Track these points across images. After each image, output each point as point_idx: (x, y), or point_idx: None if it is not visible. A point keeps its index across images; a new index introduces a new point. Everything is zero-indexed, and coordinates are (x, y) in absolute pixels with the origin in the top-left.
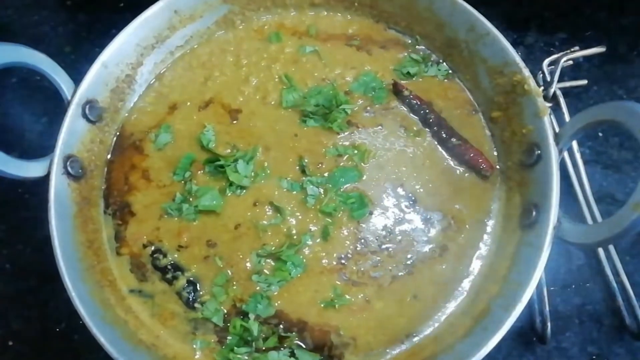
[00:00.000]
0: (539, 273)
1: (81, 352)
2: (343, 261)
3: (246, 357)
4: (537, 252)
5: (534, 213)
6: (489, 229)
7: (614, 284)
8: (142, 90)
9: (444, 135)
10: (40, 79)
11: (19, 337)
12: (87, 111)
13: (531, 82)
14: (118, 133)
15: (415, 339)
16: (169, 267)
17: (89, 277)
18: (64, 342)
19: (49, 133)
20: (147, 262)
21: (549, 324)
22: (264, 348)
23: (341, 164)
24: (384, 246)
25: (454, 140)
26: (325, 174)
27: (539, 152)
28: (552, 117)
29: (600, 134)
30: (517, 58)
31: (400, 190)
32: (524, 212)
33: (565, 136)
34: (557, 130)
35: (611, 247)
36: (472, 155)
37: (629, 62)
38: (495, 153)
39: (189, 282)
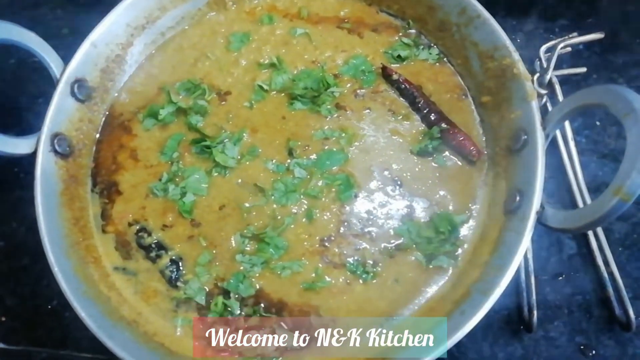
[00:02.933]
0: (519, 258)
1: (71, 329)
2: (326, 243)
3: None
4: (518, 237)
5: (517, 198)
6: (474, 215)
7: (605, 275)
8: (132, 71)
9: (432, 119)
10: (37, 60)
11: (12, 314)
12: (76, 90)
13: (520, 65)
14: (107, 113)
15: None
16: (153, 245)
17: (74, 253)
18: (55, 320)
19: (45, 113)
20: (132, 240)
21: (535, 312)
22: (246, 327)
23: (327, 147)
24: (366, 229)
25: (442, 124)
26: (312, 157)
27: (526, 137)
28: (548, 104)
29: (597, 123)
30: (508, 41)
31: (386, 174)
32: (508, 198)
33: (553, 121)
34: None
35: (603, 237)
36: (460, 139)
37: (630, 50)
38: (484, 138)
39: (172, 261)
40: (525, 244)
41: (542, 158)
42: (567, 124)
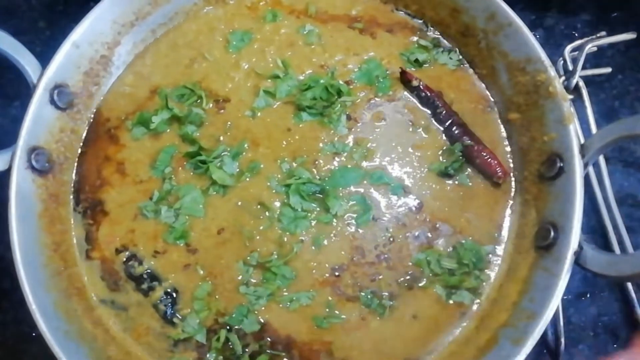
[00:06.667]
0: (555, 304)
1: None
2: (337, 273)
3: None
4: (553, 280)
5: (552, 234)
6: (499, 246)
7: (632, 294)
8: (119, 73)
9: (455, 132)
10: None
11: None
12: (55, 97)
13: (557, 83)
14: (92, 119)
15: None
16: (145, 275)
17: (54, 285)
18: (41, 347)
19: (23, 119)
20: (120, 269)
21: (562, 340)
22: None
23: (340, 163)
24: (383, 256)
25: (466, 139)
26: (322, 174)
27: (562, 164)
28: (572, 109)
29: None
30: (543, 55)
31: (404, 193)
32: (540, 230)
33: (593, 148)
34: (581, 135)
35: None
36: (485, 158)
37: None
38: (510, 158)
39: (167, 294)
40: (562, 288)
41: (580, 190)
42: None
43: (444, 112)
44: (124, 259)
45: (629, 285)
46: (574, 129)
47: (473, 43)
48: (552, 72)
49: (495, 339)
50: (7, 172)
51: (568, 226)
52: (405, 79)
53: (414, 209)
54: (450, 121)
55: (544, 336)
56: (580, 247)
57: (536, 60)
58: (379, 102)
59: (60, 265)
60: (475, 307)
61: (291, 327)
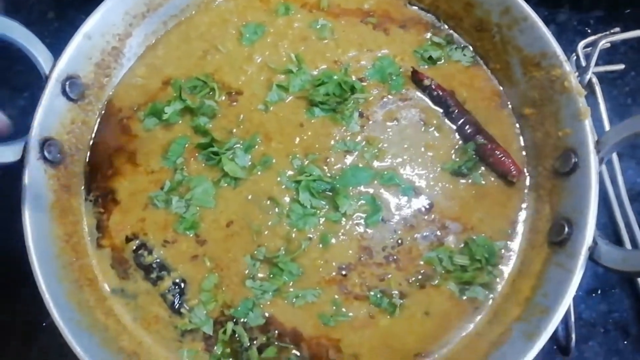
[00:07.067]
0: (568, 299)
1: (68, 348)
2: (344, 272)
3: None
4: (567, 275)
5: (566, 229)
6: (512, 242)
7: None
8: (130, 65)
9: (468, 131)
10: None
11: (5, 330)
12: (67, 88)
13: (572, 78)
14: (104, 110)
15: None
16: (154, 265)
17: (66, 276)
18: (51, 337)
19: (32, 109)
20: (130, 258)
21: (573, 336)
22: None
23: (351, 161)
24: (391, 258)
25: (479, 138)
26: (333, 172)
27: (576, 159)
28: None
29: None
30: (559, 50)
31: (415, 193)
32: (554, 226)
33: (608, 144)
34: (595, 132)
35: None
36: (499, 156)
37: None
38: (524, 154)
39: (175, 284)
40: (576, 283)
41: (595, 186)
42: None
43: (456, 110)
44: (134, 248)
45: (639, 281)
46: (589, 124)
47: (487, 38)
48: (567, 67)
49: (509, 334)
50: (20, 164)
51: (582, 222)
52: (416, 79)
53: (423, 209)
54: (462, 120)
55: (554, 332)
56: (594, 242)
57: (551, 55)
58: (392, 100)
59: (72, 256)
60: (488, 302)
61: (297, 321)
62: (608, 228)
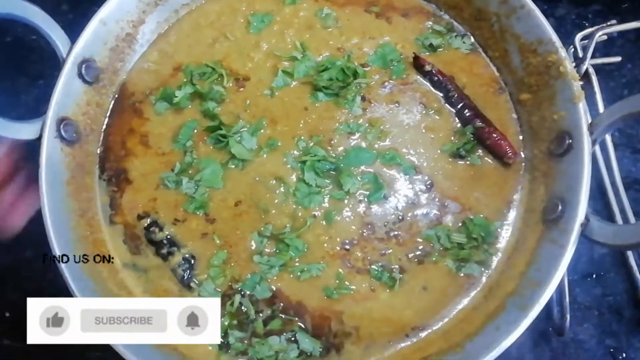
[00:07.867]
0: (561, 273)
1: None
2: (347, 247)
3: (239, 344)
4: (560, 251)
5: (559, 207)
6: (508, 221)
7: (637, 275)
8: (143, 50)
9: (466, 115)
10: (36, 38)
11: (16, 309)
12: (83, 71)
13: (567, 63)
14: (117, 94)
15: (422, 333)
16: (165, 241)
17: (81, 248)
18: None
19: (45, 96)
20: (142, 235)
21: (568, 316)
22: (264, 332)
23: (354, 143)
24: (392, 233)
25: (477, 122)
26: (337, 153)
27: (570, 141)
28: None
29: None
30: (554, 36)
31: (415, 173)
32: (548, 205)
33: (601, 126)
34: (589, 116)
35: None
36: (496, 139)
37: None
38: (521, 138)
39: (185, 260)
40: (568, 258)
41: (588, 165)
42: None
43: (455, 95)
44: (145, 225)
45: (634, 266)
46: (583, 106)
47: (486, 26)
48: (562, 52)
49: (503, 306)
50: (38, 141)
51: (575, 199)
52: (418, 64)
53: (424, 188)
54: (462, 104)
55: (550, 314)
56: (587, 219)
57: (547, 42)
58: (393, 84)
59: (86, 230)
60: (484, 278)
61: (302, 295)
62: (603, 215)
